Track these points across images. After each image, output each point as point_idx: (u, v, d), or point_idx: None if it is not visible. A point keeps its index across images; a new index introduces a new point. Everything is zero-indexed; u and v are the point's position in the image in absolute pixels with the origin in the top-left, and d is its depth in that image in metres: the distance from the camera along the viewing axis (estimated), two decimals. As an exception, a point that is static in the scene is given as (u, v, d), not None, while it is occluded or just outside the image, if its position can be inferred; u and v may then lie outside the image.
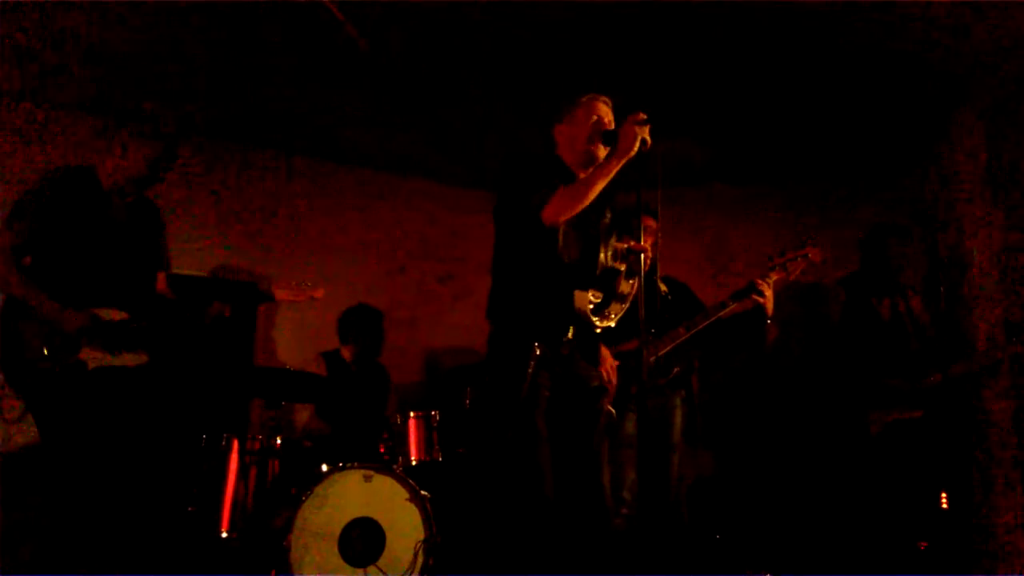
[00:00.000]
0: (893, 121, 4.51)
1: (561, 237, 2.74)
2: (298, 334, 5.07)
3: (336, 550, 3.28)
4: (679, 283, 3.83)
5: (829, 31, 3.62)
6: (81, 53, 3.85)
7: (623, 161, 2.59)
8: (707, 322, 3.46)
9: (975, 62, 3.83)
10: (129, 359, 2.95)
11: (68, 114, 4.40)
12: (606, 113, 2.88)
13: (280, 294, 3.17)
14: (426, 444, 3.85)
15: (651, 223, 3.34)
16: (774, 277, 3.47)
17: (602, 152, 2.80)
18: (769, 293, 3.36)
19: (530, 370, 2.62)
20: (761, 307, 3.37)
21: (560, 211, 2.65)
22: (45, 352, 2.81)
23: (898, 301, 4.05)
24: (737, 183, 5.55)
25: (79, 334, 2.85)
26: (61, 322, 2.83)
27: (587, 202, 2.65)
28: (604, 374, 2.89)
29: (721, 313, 3.45)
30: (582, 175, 2.83)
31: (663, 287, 3.69)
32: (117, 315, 2.95)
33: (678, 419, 3.73)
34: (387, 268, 5.51)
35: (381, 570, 3.31)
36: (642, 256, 2.65)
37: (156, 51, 3.86)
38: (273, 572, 3.22)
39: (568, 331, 2.75)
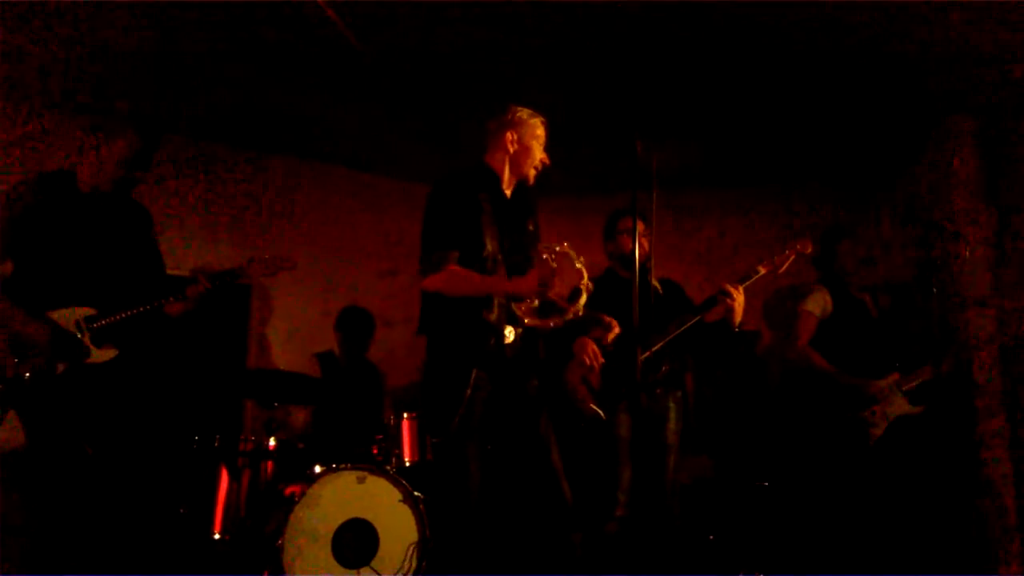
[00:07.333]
0: (887, 123, 4.52)
1: (489, 263, 2.74)
2: (292, 335, 5.07)
3: (329, 551, 3.26)
4: (673, 283, 3.82)
5: (825, 33, 3.62)
6: (69, 52, 3.83)
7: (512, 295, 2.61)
8: (683, 328, 3.38)
9: (969, 65, 3.84)
10: (98, 355, 2.91)
11: (53, 115, 4.36)
12: (543, 136, 2.94)
13: (255, 269, 3.19)
14: (420, 445, 3.84)
15: (640, 226, 3.30)
16: (763, 270, 3.41)
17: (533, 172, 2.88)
18: (740, 297, 3.20)
19: (468, 392, 2.59)
20: (729, 313, 3.23)
21: (441, 290, 2.68)
22: (15, 360, 2.80)
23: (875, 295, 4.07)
24: (733, 186, 5.57)
25: (45, 347, 2.83)
26: (24, 335, 2.81)
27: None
28: (586, 359, 2.84)
29: (691, 322, 3.36)
30: (509, 187, 2.91)
31: (658, 287, 3.69)
32: (82, 311, 2.92)
33: (672, 420, 3.72)
34: (381, 269, 5.51)
35: (375, 571, 3.29)
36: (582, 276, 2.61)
37: (147, 50, 3.85)
38: (266, 573, 3.21)
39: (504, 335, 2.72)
